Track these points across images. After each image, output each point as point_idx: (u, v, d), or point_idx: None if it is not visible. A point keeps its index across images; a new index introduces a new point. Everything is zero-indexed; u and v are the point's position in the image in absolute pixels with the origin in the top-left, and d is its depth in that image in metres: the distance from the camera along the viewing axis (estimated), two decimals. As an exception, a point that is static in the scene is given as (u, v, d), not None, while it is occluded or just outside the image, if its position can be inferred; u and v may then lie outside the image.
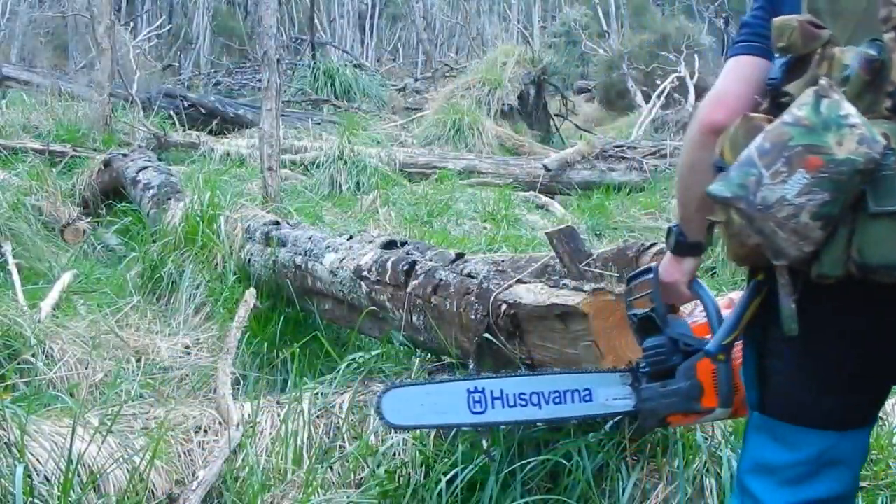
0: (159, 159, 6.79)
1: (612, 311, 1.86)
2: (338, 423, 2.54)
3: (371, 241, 3.26)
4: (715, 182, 1.25)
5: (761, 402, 1.42)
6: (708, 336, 1.58)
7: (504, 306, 2.15)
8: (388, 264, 2.86)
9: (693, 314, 1.72)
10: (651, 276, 1.62)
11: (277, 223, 4.08)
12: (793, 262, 1.22)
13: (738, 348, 1.52)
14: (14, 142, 7.88)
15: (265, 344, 3.52)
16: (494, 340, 2.17)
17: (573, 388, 1.80)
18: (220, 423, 2.60)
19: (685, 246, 1.58)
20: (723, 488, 2.04)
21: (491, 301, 2.22)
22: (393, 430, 2.05)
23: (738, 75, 1.43)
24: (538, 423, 2.00)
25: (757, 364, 1.42)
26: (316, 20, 17.54)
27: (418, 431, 2.34)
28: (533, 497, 2.11)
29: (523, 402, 1.79)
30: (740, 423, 2.30)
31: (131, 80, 10.12)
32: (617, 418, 2.00)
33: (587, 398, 1.80)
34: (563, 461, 2.11)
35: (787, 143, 1.19)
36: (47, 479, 2.13)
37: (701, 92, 14.58)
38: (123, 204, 5.93)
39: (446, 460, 2.21)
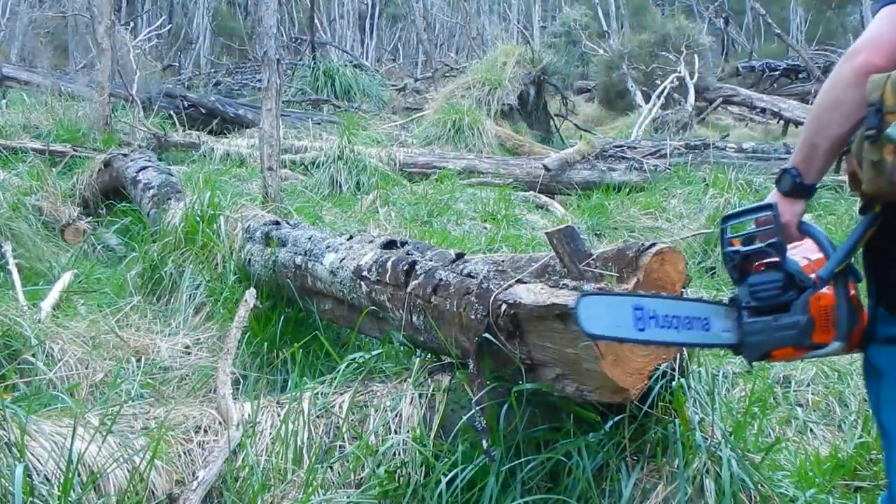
0: (159, 159, 6.79)
1: (611, 311, 1.85)
2: (338, 423, 2.54)
3: (371, 241, 3.26)
4: (893, 127, 1.40)
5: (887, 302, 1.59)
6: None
7: (504, 306, 2.15)
8: (388, 264, 2.86)
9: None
10: (771, 212, 1.67)
11: (277, 223, 4.07)
12: None
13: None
14: (14, 142, 7.89)
15: (265, 344, 3.52)
16: (494, 340, 2.17)
17: (698, 316, 1.83)
18: (220, 423, 2.60)
19: (800, 188, 1.67)
20: (722, 489, 2.04)
21: (491, 301, 2.21)
22: (589, 339, 2.01)
23: (894, 22, 1.54)
24: (672, 346, 2.01)
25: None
26: (316, 20, 17.54)
27: (418, 431, 2.35)
28: (533, 497, 2.11)
29: (667, 325, 1.81)
30: (740, 423, 2.30)
31: (131, 80, 10.12)
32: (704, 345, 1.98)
33: (706, 327, 1.82)
34: (564, 460, 2.11)
35: None
36: (47, 479, 2.13)
37: (702, 92, 14.61)
38: (123, 204, 5.93)
39: (446, 460, 2.21)
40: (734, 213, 1.75)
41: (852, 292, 1.61)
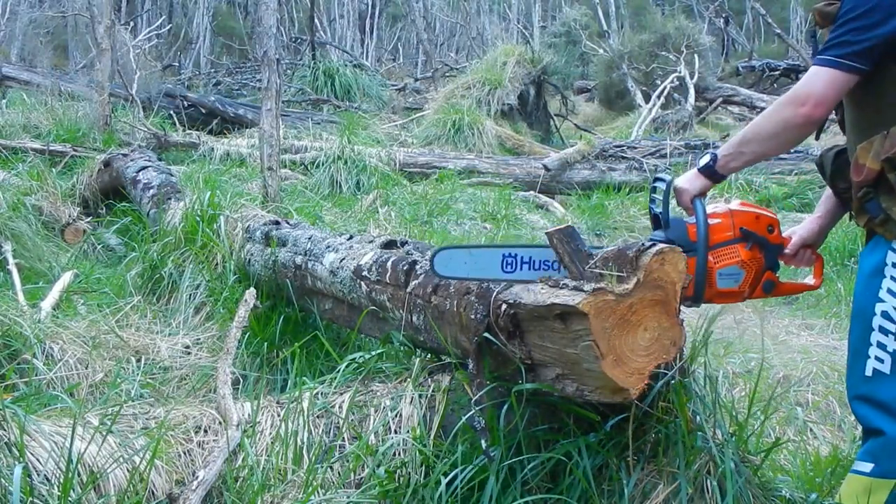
0: (159, 159, 6.79)
1: (612, 311, 1.85)
2: (338, 422, 2.54)
3: (371, 241, 3.26)
4: None
5: None
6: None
7: (504, 306, 2.14)
8: (388, 264, 2.86)
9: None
10: (664, 185, 2.10)
11: (277, 223, 4.07)
12: None
13: (716, 254, 2.06)
14: (14, 142, 7.89)
15: (265, 344, 3.52)
16: (494, 340, 2.17)
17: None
18: (220, 423, 2.59)
19: (710, 170, 2.10)
20: (723, 489, 2.04)
21: (491, 301, 2.21)
22: (441, 279, 2.40)
23: (836, 89, 1.92)
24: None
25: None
26: (316, 20, 17.54)
27: (418, 431, 2.35)
28: (533, 497, 2.11)
29: (546, 267, 2.13)
30: (741, 424, 2.29)
31: (131, 80, 10.12)
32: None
33: None
34: (564, 460, 2.11)
35: None
36: (47, 479, 2.13)
37: (702, 92, 14.59)
38: (123, 204, 5.93)
39: (446, 460, 2.20)
40: (657, 177, 2.18)
41: (712, 262, 2.04)
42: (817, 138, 2.20)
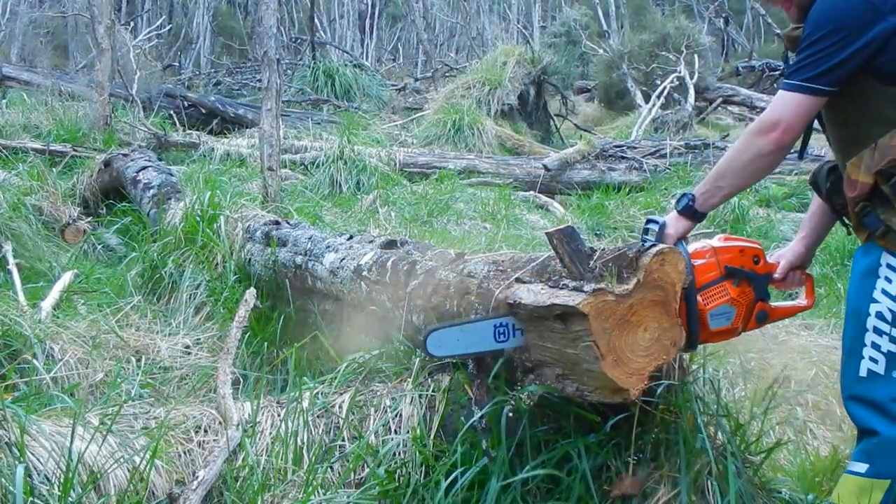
0: (159, 159, 6.78)
1: (612, 312, 1.85)
2: (338, 422, 2.54)
3: (371, 241, 3.26)
4: None
5: None
6: None
7: (504, 306, 2.15)
8: (389, 264, 2.86)
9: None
10: (657, 228, 2.08)
11: (277, 223, 4.07)
12: None
13: (705, 296, 2.00)
14: (14, 142, 7.89)
15: (265, 344, 3.52)
16: (494, 340, 2.17)
17: None
18: (220, 423, 2.59)
19: (690, 211, 2.07)
20: (724, 490, 2.04)
21: (491, 301, 2.21)
22: (436, 360, 2.41)
23: (803, 113, 1.94)
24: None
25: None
26: (316, 20, 17.55)
27: (418, 431, 2.35)
28: (533, 497, 2.11)
29: None
30: (741, 424, 2.29)
31: (131, 80, 10.12)
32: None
33: None
34: (564, 462, 2.11)
35: None
36: (47, 479, 2.13)
37: (701, 92, 14.58)
38: (123, 204, 5.93)
39: (446, 460, 2.20)
40: (649, 219, 2.15)
41: (702, 304, 1.99)
42: (801, 158, 2.21)
